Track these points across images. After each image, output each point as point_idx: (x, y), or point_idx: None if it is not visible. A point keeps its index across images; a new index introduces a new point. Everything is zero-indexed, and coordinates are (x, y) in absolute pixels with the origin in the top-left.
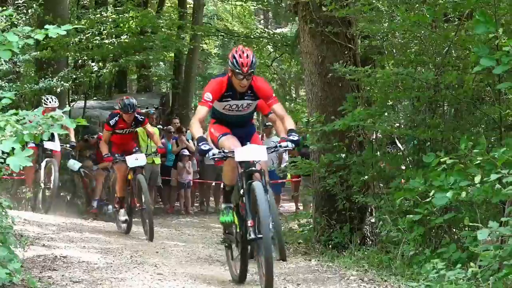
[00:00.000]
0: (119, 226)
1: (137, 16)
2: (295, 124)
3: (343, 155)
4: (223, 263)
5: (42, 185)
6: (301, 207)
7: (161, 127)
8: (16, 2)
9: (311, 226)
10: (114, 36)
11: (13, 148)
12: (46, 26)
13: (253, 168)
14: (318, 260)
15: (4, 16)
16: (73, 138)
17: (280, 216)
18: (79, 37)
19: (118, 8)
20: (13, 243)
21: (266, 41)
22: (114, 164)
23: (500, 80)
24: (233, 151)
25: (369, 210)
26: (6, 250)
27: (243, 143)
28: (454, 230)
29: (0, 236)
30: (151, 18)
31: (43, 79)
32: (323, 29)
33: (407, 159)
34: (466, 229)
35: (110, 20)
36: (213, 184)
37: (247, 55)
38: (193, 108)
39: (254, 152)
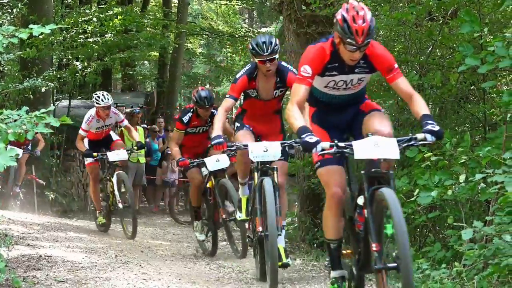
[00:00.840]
0: (199, 247)
1: (121, 13)
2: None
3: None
4: (208, 262)
5: (121, 205)
6: None
7: (146, 126)
8: (0, 2)
9: (296, 225)
10: (98, 34)
11: None
12: (31, 26)
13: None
14: (303, 259)
15: None
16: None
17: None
18: (63, 35)
19: (102, 6)
20: None
21: (250, 40)
22: (188, 170)
23: (484, 79)
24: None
25: None
26: None
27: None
28: (438, 229)
29: None
30: (135, 16)
31: (27, 78)
32: (307, 28)
33: None
34: (451, 228)
35: (94, 18)
36: None
37: (364, 17)
38: (178, 108)
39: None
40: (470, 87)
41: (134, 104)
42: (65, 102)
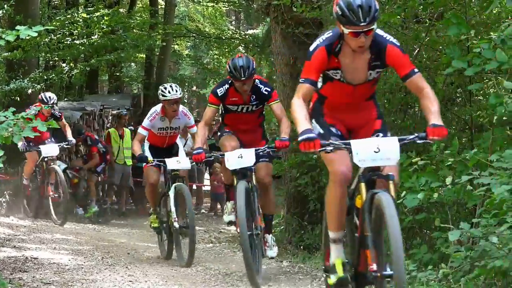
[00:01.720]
0: (229, 221)
1: (107, 14)
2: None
3: (315, 156)
4: (194, 264)
5: (176, 224)
6: None
7: (132, 128)
8: None
9: (282, 227)
10: (85, 36)
11: None
12: (17, 27)
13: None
14: (289, 261)
15: None
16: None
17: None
18: (49, 37)
19: (88, 8)
20: None
21: (237, 42)
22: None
23: (471, 81)
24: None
25: None
26: None
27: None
28: (425, 231)
29: None
30: (121, 17)
31: (14, 80)
32: (294, 30)
33: None
34: (438, 230)
35: (80, 20)
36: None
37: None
38: None
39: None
40: (456, 89)
41: (121, 106)
42: None
